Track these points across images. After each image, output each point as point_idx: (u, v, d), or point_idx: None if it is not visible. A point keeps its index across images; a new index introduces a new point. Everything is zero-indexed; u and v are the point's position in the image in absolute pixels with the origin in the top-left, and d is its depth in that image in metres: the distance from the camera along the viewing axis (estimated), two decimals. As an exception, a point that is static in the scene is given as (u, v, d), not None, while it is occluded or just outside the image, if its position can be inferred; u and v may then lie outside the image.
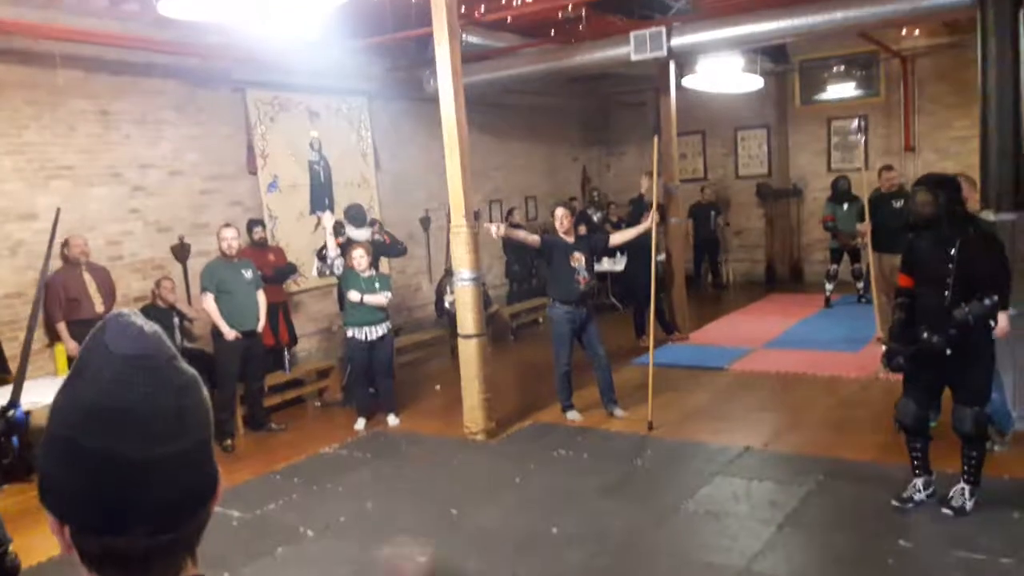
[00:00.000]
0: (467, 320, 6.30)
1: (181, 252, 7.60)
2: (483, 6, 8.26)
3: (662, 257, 6.68)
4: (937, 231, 4.33)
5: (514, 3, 8.39)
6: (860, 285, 10.40)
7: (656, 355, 6.97)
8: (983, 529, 4.22)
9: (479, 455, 6.10)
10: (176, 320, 6.91)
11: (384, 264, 8.46)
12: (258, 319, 6.81)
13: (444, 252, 9.67)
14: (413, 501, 5.27)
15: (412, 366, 8.97)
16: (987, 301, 4.10)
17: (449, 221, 6.56)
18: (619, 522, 4.70)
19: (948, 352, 4.20)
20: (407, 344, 9.03)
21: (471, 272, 6.26)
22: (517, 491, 5.34)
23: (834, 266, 10.54)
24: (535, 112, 12.58)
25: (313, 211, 8.79)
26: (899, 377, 4.60)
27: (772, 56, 11.77)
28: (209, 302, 6.57)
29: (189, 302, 7.43)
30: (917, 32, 11.16)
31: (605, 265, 10.78)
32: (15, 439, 2.37)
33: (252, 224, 7.76)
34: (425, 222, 10.47)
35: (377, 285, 6.88)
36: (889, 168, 9.09)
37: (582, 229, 8.93)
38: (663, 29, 8.11)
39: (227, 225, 6.88)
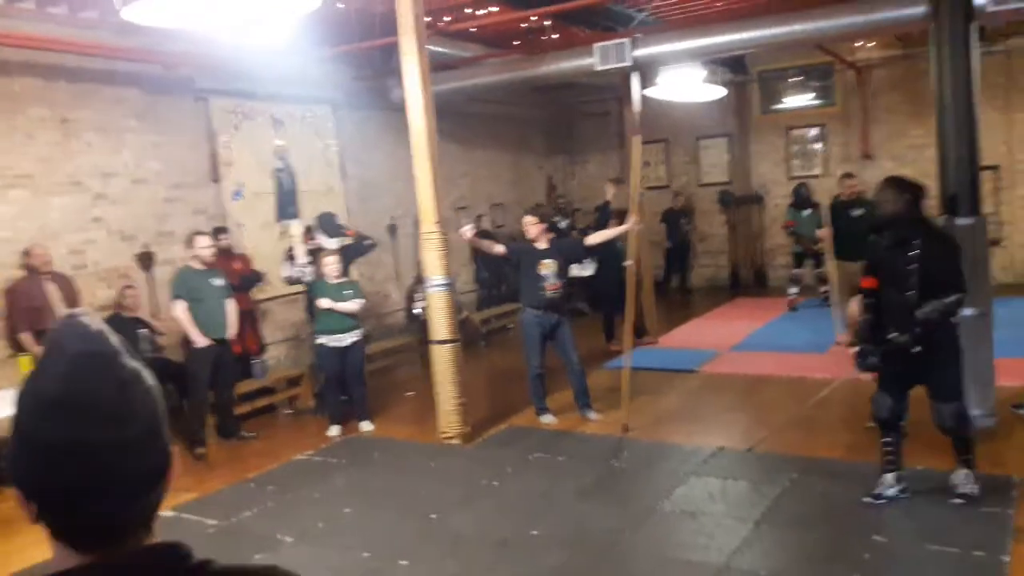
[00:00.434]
0: (440, 326, 6.29)
1: (146, 261, 7.48)
2: (448, 16, 8.30)
3: (630, 263, 6.76)
4: (897, 232, 4.46)
5: (478, 13, 8.45)
6: (823, 289, 10.61)
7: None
8: (955, 523, 4.32)
9: (455, 460, 6.08)
10: (143, 330, 6.77)
11: (353, 271, 8.41)
12: (228, 327, 6.73)
13: (412, 259, 9.65)
14: (391, 506, 5.24)
15: (382, 373, 8.91)
16: (948, 299, 4.26)
17: (417, 228, 6.54)
18: (597, 523, 4.72)
19: (918, 349, 4.33)
20: (376, 351, 8.97)
21: (443, 278, 6.26)
22: (494, 495, 5.33)
23: (797, 270, 10.76)
24: (500, 121, 12.63)
25: (280, 219, 8.72)
26: (870, 377, 4.72)
27: (732, 67, 12.00)
28: (181, 310, 6.49)
29: (156, 311, 7.31)
30: (871, 44, 11.48)
31: (573, 271, 10.83)
32: None
33: (217, 232, 7.67)
34: (392, 229, 10.43)
35: (347, 292, 6.84)
36: (850, 176, 9.32)
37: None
38: (627, 41, 8.22)
39: (200, 233, 6.80)
